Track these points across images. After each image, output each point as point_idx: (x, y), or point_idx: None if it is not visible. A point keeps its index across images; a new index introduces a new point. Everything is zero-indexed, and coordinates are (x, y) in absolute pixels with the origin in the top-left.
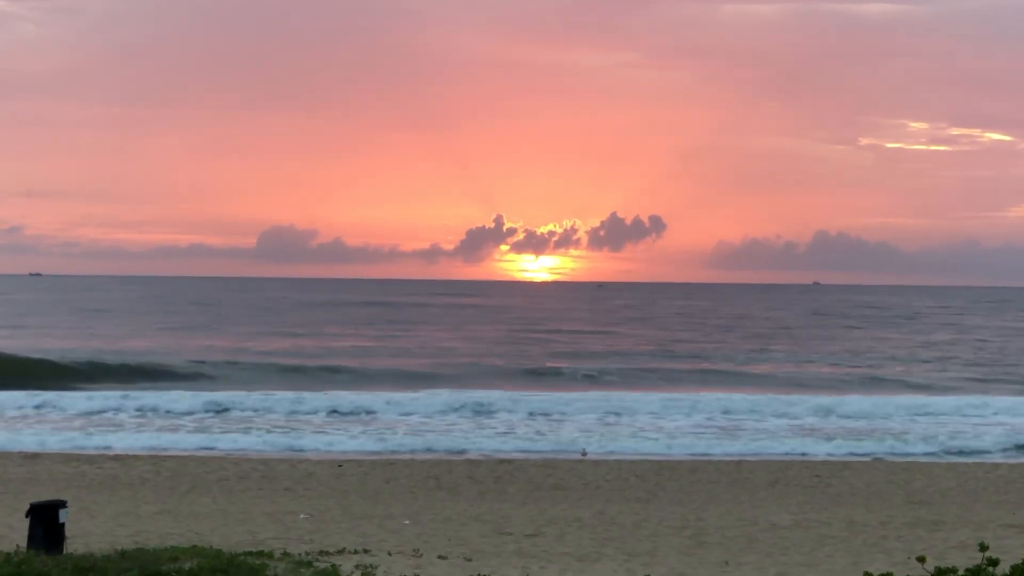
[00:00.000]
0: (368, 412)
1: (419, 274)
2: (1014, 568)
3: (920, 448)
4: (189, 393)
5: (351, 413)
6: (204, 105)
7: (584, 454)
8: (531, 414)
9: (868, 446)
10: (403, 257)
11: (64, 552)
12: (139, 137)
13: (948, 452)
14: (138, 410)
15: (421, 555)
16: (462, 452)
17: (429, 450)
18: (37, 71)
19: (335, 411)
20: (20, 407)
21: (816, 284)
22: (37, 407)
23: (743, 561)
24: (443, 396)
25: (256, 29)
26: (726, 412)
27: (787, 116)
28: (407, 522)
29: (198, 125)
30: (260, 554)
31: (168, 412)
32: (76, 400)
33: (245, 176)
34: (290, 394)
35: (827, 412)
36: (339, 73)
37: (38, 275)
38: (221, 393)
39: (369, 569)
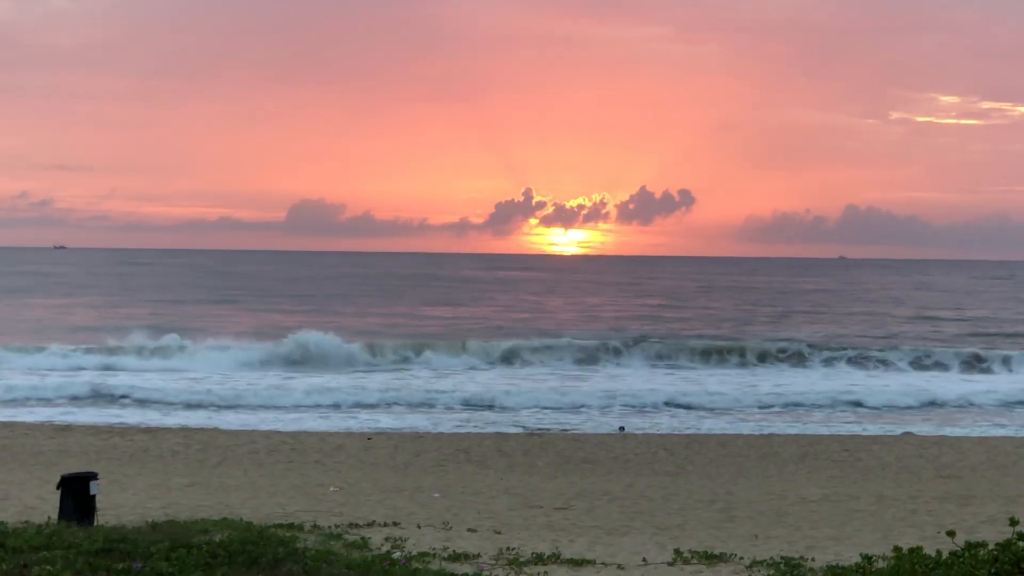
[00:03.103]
0: None
1: (448, 247)
2: None
3: None
4: None
5: None
6: (233, 77)
7: (622, 430)
8: None
9: None
10: (432, 231)
11: (95, 524)
12: (168, 110)
13: None
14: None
15: (451, 528)
16: None
17: None
18: (68, 44)
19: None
20: None
21: (842, 258)
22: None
23: (772, 535)
24: None
25: (287, 1)
26: None
27: (817, 90)
28: (437, 495)
29: (227, 98)
30: (290, 526)
31: None
32: None
33: (274, 149)
34: None
35: None
36: (368, 45)
37: (62, 248)
38: None
39: (399, 542)
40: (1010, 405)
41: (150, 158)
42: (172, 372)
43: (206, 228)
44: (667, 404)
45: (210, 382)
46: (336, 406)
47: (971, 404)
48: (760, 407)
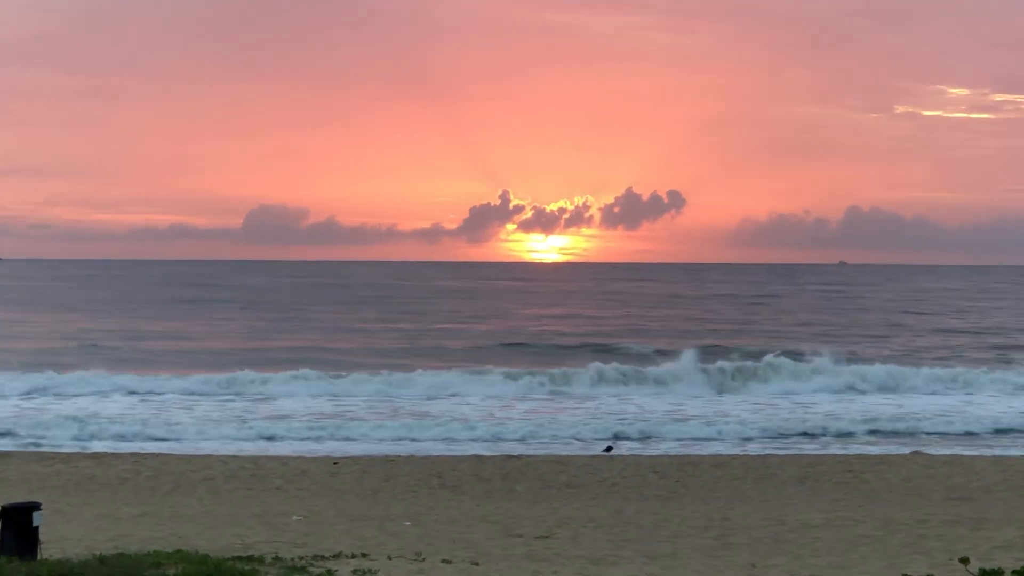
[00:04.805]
0: None
1: (420, 255)
2: None
3: None
4: None
5: None
6: (186, 74)
7: (610, 450)
8: None
9: None
10: (402, 237)
11: (38, 558)
12: (116, 109)
13: None
14: None
15: (424, 559)
16: None
17: None
18: (5, 38)
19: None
20: None
21: (842, 264)
22: None
23: (771, 563)
24: None
25: None
26: None
27: (816, 82)
28: (408, 523)
29: (180, 96)
30: (250, 559)
31: None
32: None
33: (231, 151)
34: None
35: None
36: (332, 37)
37: None
38: None
39: (367, 574)
40: None
41: (96, 161)
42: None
43: (157, 237)
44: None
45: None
46: None
47: None
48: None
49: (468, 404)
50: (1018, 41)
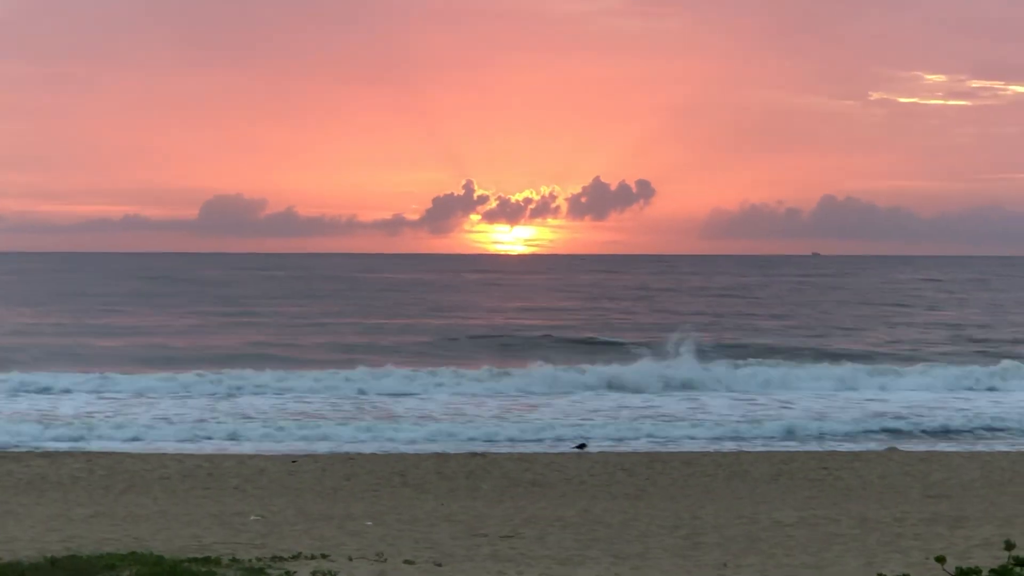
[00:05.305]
0: None
1: (380, 247)
2: None
3: None
4: None
5: None
6: (140, 61)
7: (583, 447)
8: None
9: None
10: (363, 228)
11: None
12: (67, 97)
13: None
14: None
15: (385, 560)
16: None
17: None
18: None
19: None
20: None
21: (815, 255)
22: None
23: (743, 563)
24: None
25: None
26: None
27: (789, 68)
28: (369, 523)
29: (133, 84)
30: (206, 560)
31: None
32: None
33: (186, 140)
34: None
35: None
36: (290, 23)
37: None
38: None
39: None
40: None
41: (46, 151)
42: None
43: (110, 228)
44: None
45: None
46: None
47: None
48: None
49: (433, 401)
50: (996, 25)
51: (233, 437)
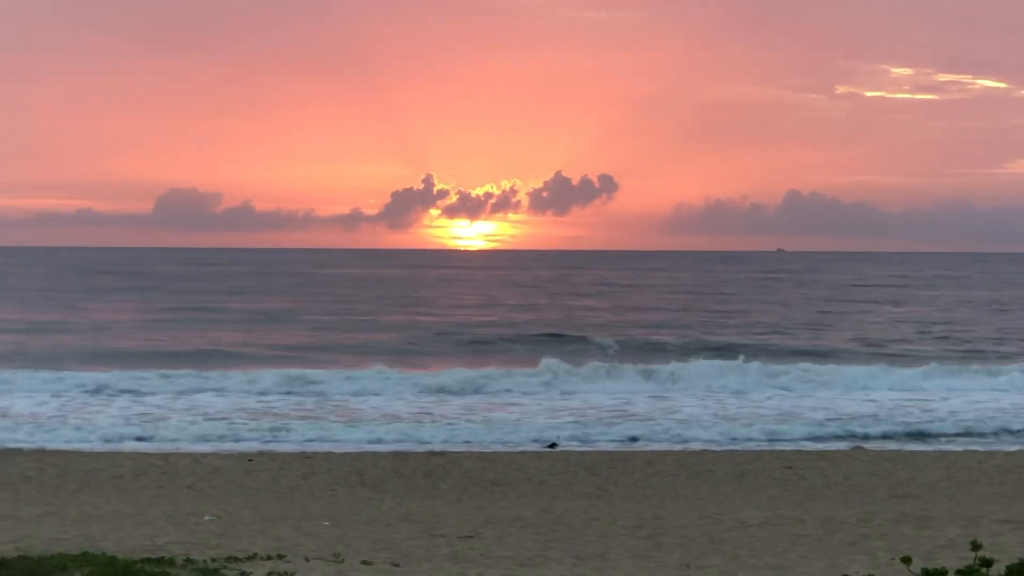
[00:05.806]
0: None
1: (337, 242)
2: (1010, 568)
3: None
4: None
5: None
6: (93, 51)
7: (554, 446)
8: None
9: None
10: (320, 223)
11: None
12: (16, 88)
13: None
14: None
15: (343, 560)
16: None
17: None
18: None
19: None
20: None
21: (780, 251)
22: None
23: (706, 564)
24: None
25: None
26: None
27: (754, 61)
28: (327, 523)
29: (85, 74)
30: (160, 561)
31: None
32: None
33: (140, 132)
34: None
35: None
36: (245, 11)
37: None
38: None
39: None
40: None
41: None
42: None
43: (61, 223)
44: None
45: None
46: None
47: None
48: None
49: (397, 400)
50: (962, 19)
51: (188, 435)
